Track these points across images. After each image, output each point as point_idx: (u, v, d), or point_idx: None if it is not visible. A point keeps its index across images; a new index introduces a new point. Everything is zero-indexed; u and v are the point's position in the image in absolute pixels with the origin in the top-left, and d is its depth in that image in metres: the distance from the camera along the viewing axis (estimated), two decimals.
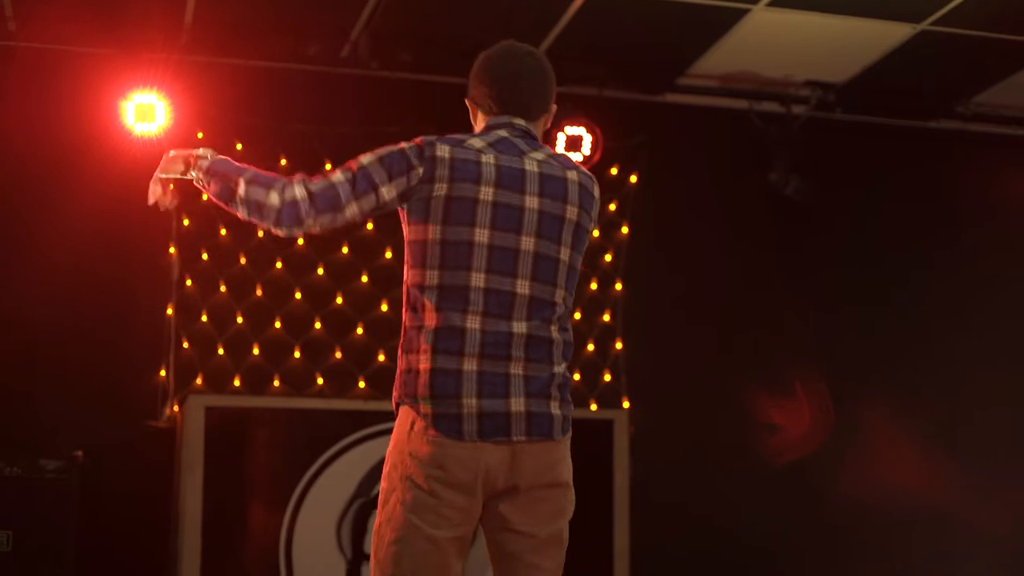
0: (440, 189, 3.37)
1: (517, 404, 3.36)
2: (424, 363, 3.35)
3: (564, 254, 3.47)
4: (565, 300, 3.49)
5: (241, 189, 3.41)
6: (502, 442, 3.35)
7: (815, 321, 7.76)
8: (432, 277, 3.38)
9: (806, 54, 7.25)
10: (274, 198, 3.36)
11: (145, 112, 6.67)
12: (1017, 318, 8.14)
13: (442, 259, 3.37)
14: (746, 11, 6.70)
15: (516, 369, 3.38)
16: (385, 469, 3.43)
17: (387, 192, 3.38)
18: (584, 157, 7.21)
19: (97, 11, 6.57)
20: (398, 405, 3.43)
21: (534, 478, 3.39)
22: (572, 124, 7.21)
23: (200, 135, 6.97)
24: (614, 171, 7.54)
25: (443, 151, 3.40)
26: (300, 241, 7.07)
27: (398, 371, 3.44)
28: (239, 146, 7.06)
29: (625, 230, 7.57)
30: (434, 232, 3.38)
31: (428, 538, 3.33)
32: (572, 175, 3.52)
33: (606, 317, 7.53)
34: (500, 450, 3.35)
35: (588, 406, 7.36)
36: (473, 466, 3.33)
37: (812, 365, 7.67)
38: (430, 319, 3.37)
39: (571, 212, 3.48)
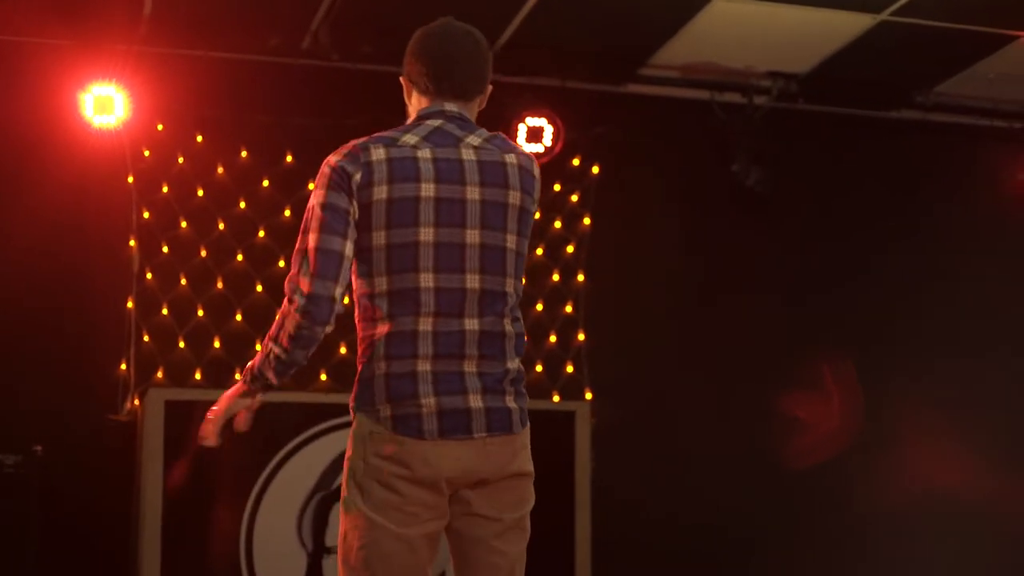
0: (380, 192, 3.31)
1: (475, 400, 3.34)
2: (379, 370, 3.32)
3: (511, 241, 3.42)
4: (516, 288, 3.46)
5: (271, 347, 3.36)
6: (464, 439, 3.33)
7: (777, 310, 7.78)
8: (381, 284, 3.33)
9: (767, 44, 7.26)
10: (292, 315, 3.29)
11: (104, 104, 6.65)
12: (976, 305, 8.17)
13: (388, 264, 3.32)
14: (707, 1, 6.70)
15: (470, 367, 3.35)
16: (344, 476, 3.39)
17: (354, 210, 3.32)
18: (545, 148, 7.23)
19: (56, 2, 6.54)
20: (355, 412, 3.39)
21: (497, 471, 3.37)
22: (533, 115, 7.22)
23: (160, 127, 6.96)
24: (576, 162, 7.54)
25: (378, 153, 3.34)
26: (261, 234, 7.06)
27: (355, 379, 3.40)
28: (199, 138, 7.04)
29: (587, 221, 7.57)
30: (378, 238, 3.32)
31: (397, 537, 3.30)
32: (511, 158, 3.46)
33: (568, 308, 7.53)
34: (462, 446, 3.33)
35: (550, 397, 7.36)
36: (436, 463, 3.31)
37: (775, 355, 7.70)
38: (382, 326, 3.33)
39: (513, 197, 3.42)
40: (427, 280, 3.33)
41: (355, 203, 3.32)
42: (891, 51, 7.29)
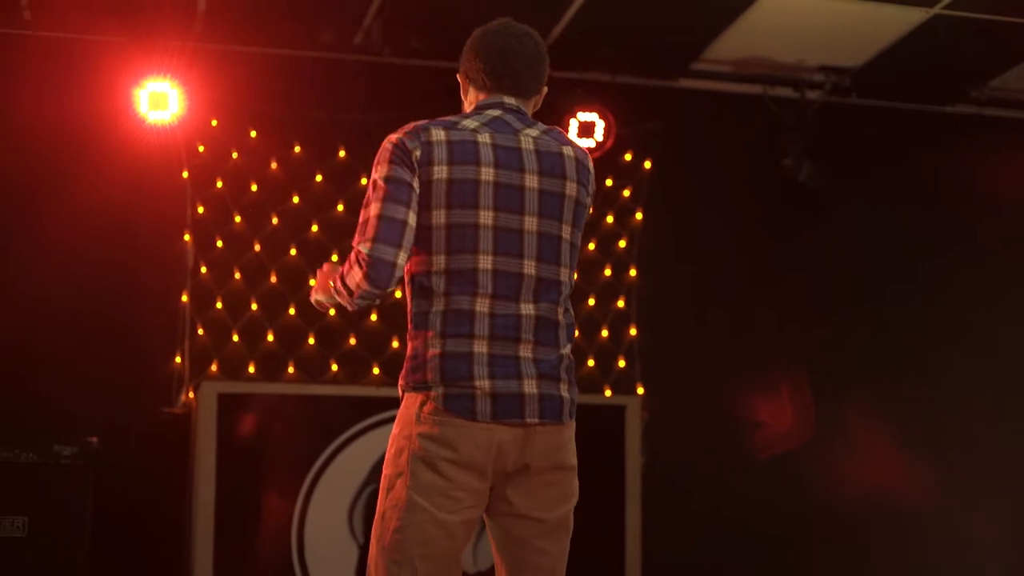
0: (440, 172, 3.35)
1: (530, 386, 3.35)
2: (433, 348, 3.34)
3: (566, 232, 3.45)
4: (570, 278, 3.48)
5: (337, 284, 3.47)
6: (515, 424, 3.34)
7: (830, 306, 7.75)
8: (439, 262, 3.36)
9: (820, 38, 7.23)
10: (355, 272, 3.37)
11: (159, 100, 6.70)
12: None
13: (448, 243, 3.35)
14: None
15: (526, 352, 3.37)
16: (389, 455, 3.40)
17: (416, 184, 3.35)
18: (597, 143, 7.23)
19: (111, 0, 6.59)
20: (404, 391, 3.41)
21: (544, 459, 3.38)
22: (585, 110, 7.23)
23: (214, 123, 7.00)
24: (628, 157, 7.54)
25: (438, 134, 3.38)
26: (314, 228, 7.10)
27: (406, 357, 3.42)
28: (253, 133, 7.09)
29: (639, 216, 7.57)
30: (438, 217, 3.35)
31: (437, 523, 3.31)
32: (568, 150, 3.50)
33: (620, 303, 7.53)
34: (512, 431, 3.34)
35: (602, 392, 7.37)
36: (485, 446, 3.32)
37: (824, 350, 7.67)
38: (438, 304, 3.35)
39: (570, 188, 3.46)
40: (486, 262, 3.35)
41: (416, 178, 3.35)
42: (945, 45, 7.25)
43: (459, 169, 3.36)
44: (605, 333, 7.48)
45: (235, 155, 7.08)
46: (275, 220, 7.09)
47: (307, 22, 7.00)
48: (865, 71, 7.59)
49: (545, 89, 3.64)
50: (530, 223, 3.40)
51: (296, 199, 7.14)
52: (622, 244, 7.54)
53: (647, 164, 7.57)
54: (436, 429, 3.31)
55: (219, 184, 7.06)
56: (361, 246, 3.34)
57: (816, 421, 7.54)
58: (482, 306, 3.35)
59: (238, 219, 7.06)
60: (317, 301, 3.68)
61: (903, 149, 7.96)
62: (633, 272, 7.54)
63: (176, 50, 6.72)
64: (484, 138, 3.41)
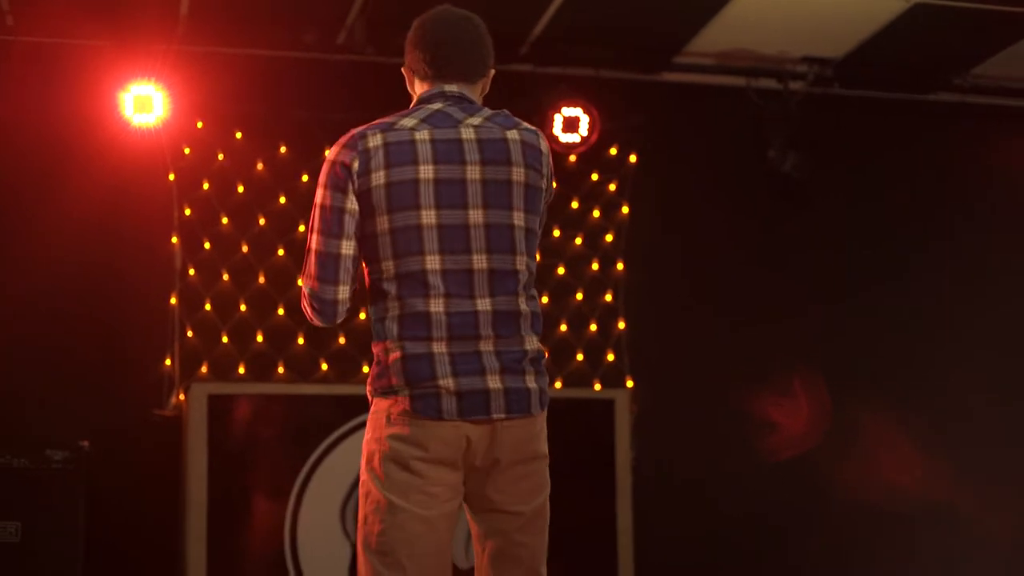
0: (378, 178, 3.35)
1: (494, 381, 3.35)
2: (394, 352, 3.34)
3: (518, 219, 3.42)
4: (528, 266, 3.45)
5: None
6: (481, 420, 3.35)
7: (816, 297, 7.77)
8: (388, 268, 3.36)
9: (802, 29, 7.25)
10: (306, 308, 3.51)
11: (143, 103, 6.70)
12: (1019, 294, 8.14)
13: (394, 248, 3.36)
14: None
15: (487, 347, 3.36)
16: (363, 461, 3.41)
17: (351, 204, 3.38)
18: (582, 138, 7.25)
19: (94, 3, 6.59)
20: (373, 396, 3.42)
21: (513, 453, 3.39)
22: (569, 105, 7.24)
23: (199, 125, 7.02)
24: (613, 151, 7.56)
25: (375, 140, 3.37)
26: (301, 228, 7.10)
27: (372, 364, 3.44)
28: (238, 135, 7.10)
29: (625, 210, 7.58)
30: (382, 223, 3.36)
31: (419, 519, 3.33)
32: (512, 134, 3.45)
33: (608, 297, 7.55)
34: (479, 428, 3.35)
35: (591, 386, 7.39)
36: (454, 442, 3.34)
37: (813, 341, 7.70)
38: (393, 308, 3.36)
39: (517, 173, 3.42)
40: (433, 262, 3.35)
41: (353, 194, 3.37)
42: (926, 33, 7.26)
43: (397, 171, 3.35)
44: (593, 327, 7.50)
45: (221, 157, 7.09)
46: (262, 221, 7.10)
47: (290, 23, 7.00)
48: (847, 61, 7.61)
49: (492, 72, 3.60)
50: (476, 216, 3.38)
51: (283, 199, 7.15)
52: (609, 238, 7.56)
53: (632, 158, 7.59)
54: (406, 430, 3.33)
55: (205, 186, 7.07)
56: (305, 286, 3.46)
57: (810, 414, 7.56)
58: (436, 306, 3.34)
59: (225, 220, 7.07)
60: None
61: (887, 138, 7.99)
62: (620, 266, 7.56)
63: (160, 53, 6.72)
64: (422, 135, 3.39)
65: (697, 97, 7.70)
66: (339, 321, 3.48)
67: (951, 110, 7.98)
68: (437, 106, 3.47)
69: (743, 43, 7.43)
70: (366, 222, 3.38)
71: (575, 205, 7.48)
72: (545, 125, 7.15)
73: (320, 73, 7.15)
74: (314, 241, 3.42)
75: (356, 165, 3.36)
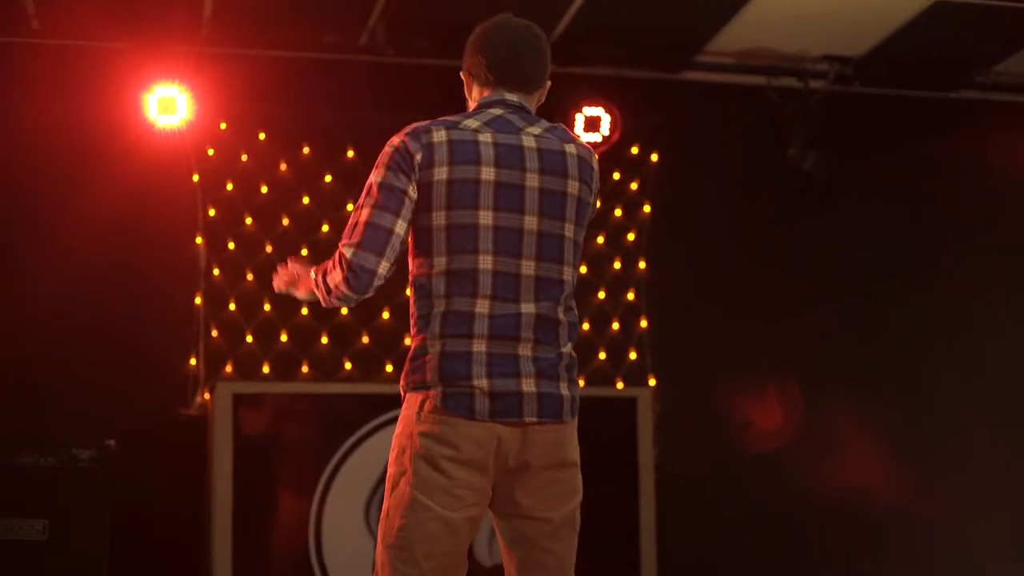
0: (440, 173, 3.37)
1: (528, 384, 3.37)
2: (433, 349, 3.37)
3: (568, 230, 3.46)
4: (572, 277, 3.49)
5: (317, 278, 3.51)
6: (513, 423, 3.36)
7: (835, 293, 7.77)
8: (440, 264, 3.39)
9: (822, 28, 7.25)
10: (336, 274, 3.43)
11: (167, 105, 6.75)
12: None
13: (448, 244, 3.38)
14: None
15: (525, 351, 3.39)
16: (392, 455, 3.43)
17: (412, 191, 3.39)
18: (603, 137, 7.26)
19: (118, 6, 6.63)
20: (405, 391, 3.45)
21: (544, 458, 3.41)
22: (590, 105, 7.26)
23: (223, 126, 7.05)
24: (634, 150, 7.58)
25: (439, 135, 3.40)
26: (325, 228, 7.14)
27: (407, 358, 3.45)
28: (262, 135, 7.14)
29: (647, 209, 7.60)
30: (438, 218, 3.38)
31: (441, 520, 3.34)
32: (570, 148, 3.50)
33: (630, 296, 7.56)
34: (511, 430, 3.37)
35: (614, 384, 7.41)
36: (486, 443, 3.35)
37: (836, 338, 7.70)
38: (438, 305, 3.38)
39: (572, 187, 3.47)
40: (486, 262, 3.37)
41: (414, 183, 3.38)
42: (947, 31, 7.25)
43: (460, 169, 3.38)
44: (616, 326, 7.51)
45: (244, 157, 7.13)
46: (286, 221, 7.14)
47: (311, 24, 7.03)
48: (868, 59, 7.61)
49: (548, 83, 3.65)
50: (531, 222, 3.41)
51: (306, 200, 7.19)
52: (631, 237, 7.58)
53: (654, 157, 7.61)
54: (437, 428, 3.34)
55: (229, 186, 7.11)
56: (346, 249, 3.40)
57: (815, 414, 7.57)
58: (482, 307, 3.37)
59: (249, 221, 7.11)
60: (284, 292, 3.71)
61: (908, 136, 7.97)
62: (642, 264, 7.58)
63: (183, 55, 6.77)
64: (485, 137, 3.43)
65: (718, 96, 7.71)
66: (366, 296, 3.44)
67: (973, 108, 7.97)
68: (499, 112, 3.51)
69: (763, 42, 7.44)
70: (421, 215, 3.40)
71: (597, 204, 7.47)
72: (567, 125, 7.06)
73: (342, 74, 7.18)
74: (366, 213, 3.39)
75: (419, 157, 3.38)
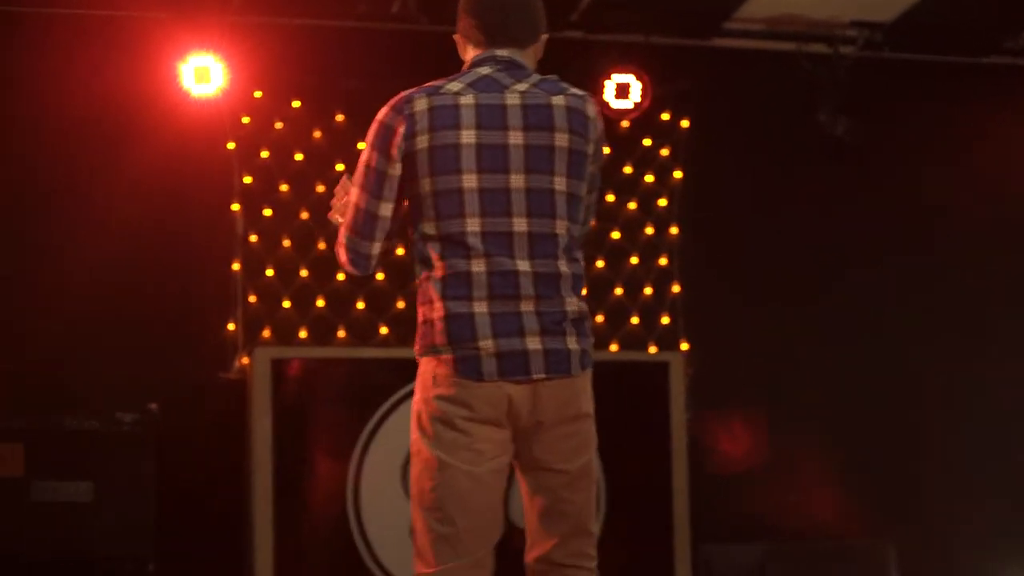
0: (423, 141, 3.42)
1: (533, 342, 3.41)
2: (437, 312, 3.42)
3: (560, 184, 3.47)
4: (569, 230, 3.49)
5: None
6: (522, 380, 3.41)
7: (867, 259, 7.79)
8: (431, 228, 3.44)
9: None
10: (341, 253, 3.63)
11: (202, 74, 6.82)
12: None
13: (436, 210, 3.43)
14: None
15: (528, 307, 3.42)
16: (413, 421, 3.49)
17: (395, 168, 3.47)
18: (635, 104, 7.30)
19: None
20: (419, 356, 3.50)
21: (555, 413, 3.45)
22: (620, 71, 7.29)
23: (257, 94, 7.12)
24: (665, 116, 7.61)
25: (420, 104, 3.44)
26: None
27: (417, 323, 3.51)
28: (296, 103, 7.21)
29: (678, 174, 7.65)
30: (425, 185, 3.43)
31: (468, 475, 3.40)
32: (558, 100, 3.50)
33: (663, 261, 7.61)
34: (520, 388, 3.41)
35: (647, 348, 7.47)
36: (497, 402, 3.40)
37: (866, 301, 7.74)
38: (437, 269, 3.44)
39: (560, 139, 3.47)
40: (474, 224, 3.42)
41: (399, 157, 3.45)
42: None
43: (440, 135, 3.42)
44: (649, 291, 7.57)
45: (279, 125, 7.20)
46: (321, 188, 7.20)
47: None
48: (898, 25, 7.60)
49: (544, 37, 3.64)
50: (517, 180, 3.44)
51: (340, 166, 7.25)
52: (662, 202, 7.63)
53: (685, 123, 7.65)
54: (452, 390, 3.40)
55: (264, 154, 7.19)
56: (343, 236, 3.58)
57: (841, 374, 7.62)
58: (478, 267, 3.41)
59: (284, 187, 7.19)
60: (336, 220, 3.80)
61: (938, 102, 7.96)
62: (675, 230, 7.62)
63: (217, 25, 6.84)
64: (467, 100, 3.45)
65: (747, 63, 7.73)
66: (370, 273, 3.64)
67: (1003, 73, 7.96)
68: (486, 71, 3.52)
69: (793, 8, 7.45)
70: (412, 184, 3.47)
71: (628, 170, 7.55)
72: (597, 91, 7.21)
73: (374, 42, 7.22)
74: (355, 196, 3.54)
75: (403, 128, 3.44)
